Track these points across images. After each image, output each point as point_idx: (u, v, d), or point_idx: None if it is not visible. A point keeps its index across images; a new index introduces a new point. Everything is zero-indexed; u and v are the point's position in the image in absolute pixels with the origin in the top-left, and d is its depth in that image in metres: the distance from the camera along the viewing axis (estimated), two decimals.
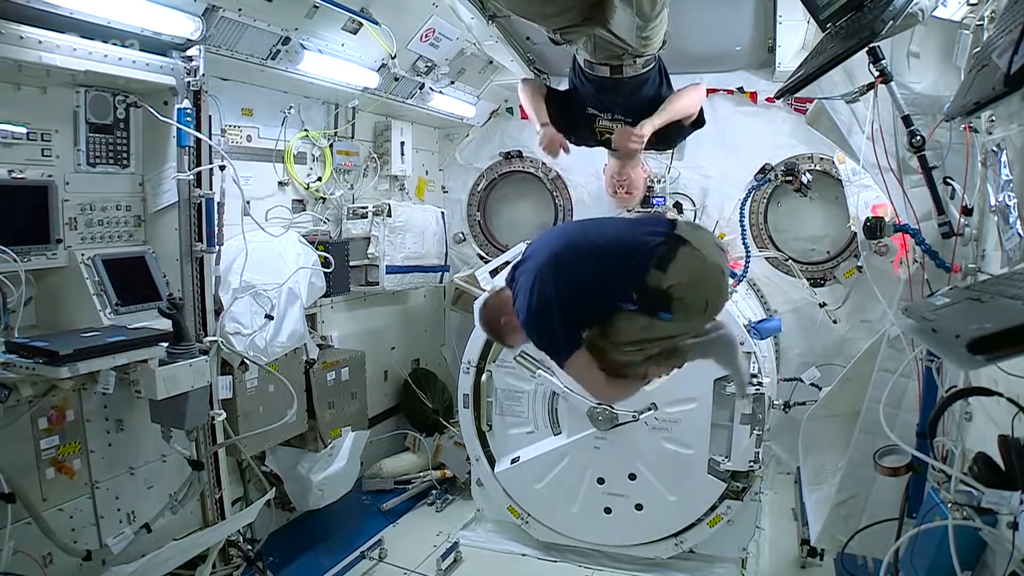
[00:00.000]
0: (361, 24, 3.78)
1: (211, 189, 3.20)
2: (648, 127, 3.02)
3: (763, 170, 4.90)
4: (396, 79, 4.34)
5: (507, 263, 4.01)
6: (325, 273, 4.01)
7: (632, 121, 3.12)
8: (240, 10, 3.15)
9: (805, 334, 4.96)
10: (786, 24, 4.17)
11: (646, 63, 2.96)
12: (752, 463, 3.59)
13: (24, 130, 2.72)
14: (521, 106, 5.45)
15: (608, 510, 3.89)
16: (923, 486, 2.52)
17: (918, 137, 2.46)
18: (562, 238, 2.48)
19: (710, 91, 5.02)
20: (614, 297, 2.26)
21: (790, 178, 4.77)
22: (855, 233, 4.21)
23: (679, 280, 2.20)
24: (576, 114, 3.19)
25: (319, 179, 4.44)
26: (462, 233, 5.75)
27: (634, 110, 3.08)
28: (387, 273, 4.63)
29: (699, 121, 3.23)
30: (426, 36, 4.25)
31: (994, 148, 2.12)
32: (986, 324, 1.07)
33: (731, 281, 2.60)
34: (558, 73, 5.27)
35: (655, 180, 5.07)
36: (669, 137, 3.30)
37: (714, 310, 2.38)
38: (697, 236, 2.34)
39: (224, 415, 3.34)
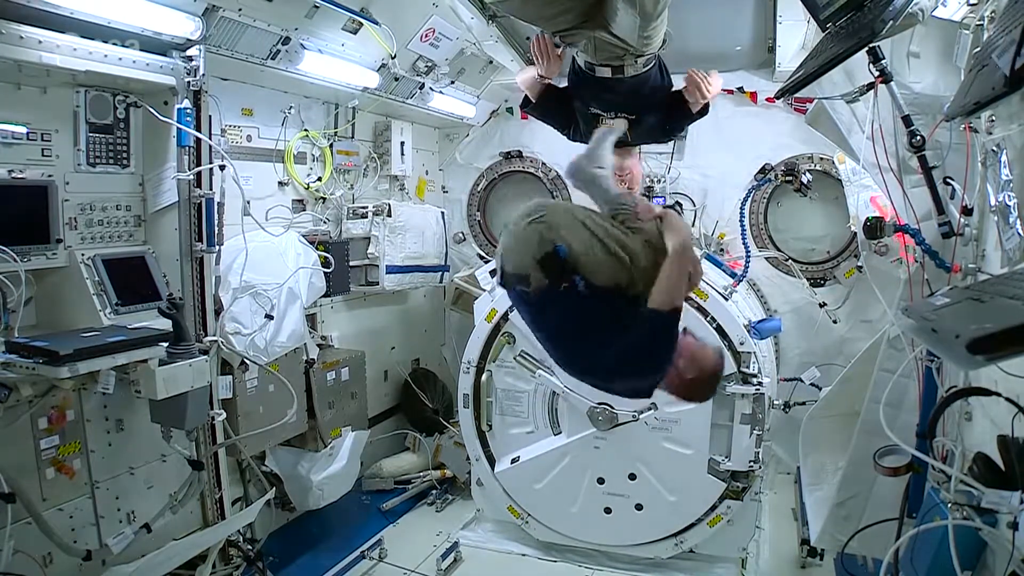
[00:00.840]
0: (361, 24, 3.78)
1: (211, 189, 3.20)
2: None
3: (763, 170, 4.90)
4: (396, 79, 4.34)
5: None
6: (325, 273, 4.02)
7: (636, 118, 3.12)
8: (240, 10, 3.15)
9: (805, 334, 4.96)
10: (786, 24, 4.18)
11: (647, 62, 2.96)
12: (752, 463, 3.59)
13: (24, 130, 2.72)
14: (520, 105, 5.51)
15: (608, 510, 3.89)
16: (923, 486, 2.52)
17: (918, 137, 2.46)
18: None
19: None
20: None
21: (790, 178, 4.78)
22: (855, 233, 4.21)
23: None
24: (580, 114, 3.19)
25: (319, 179, 4.44)
26: (462, 233, 5.75)
27: (637, 108, 3.08)
28: (387, 273, 4.64)
29: (704, 110, 3.23)
30: (426, 36, 4.25)
31: (994, 148, 2.12)
32: (986, 324, 1.07)
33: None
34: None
35: (655, 180, 5.07)
36: (672, 126, 3.29)
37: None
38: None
39: (224, 415, 3.34)
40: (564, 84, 3.24)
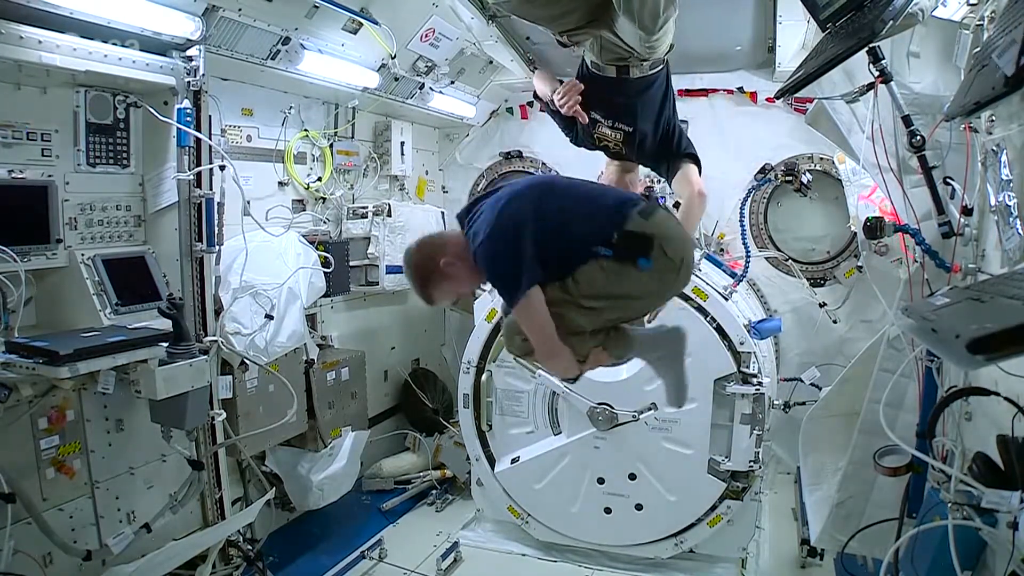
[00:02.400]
0: (361, 24, 3.78)
1: (211, 189, 3.20)
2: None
3: (763, 170, 4.90)
4: (396, 79, 4.34)
5: None
6: (325, 273, 4.01)
7: (632, 129, 3.11)
8: (240, 10, 3.15)
9: (805, 334, 4.96)
10: (786, 24, 4.18)
11: (653, 65, 2.96)
12: (752, 463, 3.59)
13: (24, 130, 2.72)
14: (524, 105, 5.52)
15: (608, 510, 3.89)
16: (923, 486, 2.52)
17: (918, 137, 2.46)
18: (542, 179, 2.47)
19: (710, 91, 5.05)
20: (594, 236, 2.17)
21: (790, 178, 4.78)
22: (855, 233, 4.21)
23: (659, 231, 2.18)
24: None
25: (319, 179, 4.44)
26: None
27: (637, 114, 3.07)
28: (387, 273, 4.63)
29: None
30: (426, 36, 4.25)
31: (994, 148, 2.12)
32: (986, 324, 1.07)
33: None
34: (559, 73, 5.26)
35: (655, 180, 5.06)
36: (669, 166, 3.28)
37: (686, 275, 2.32)
38: (668, 213, 2.39)
39: (224, 415, 3.34)
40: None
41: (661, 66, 3.02)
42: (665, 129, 3.16)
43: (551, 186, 2.38)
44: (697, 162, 3.22)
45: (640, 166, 3.52)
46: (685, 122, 4.94)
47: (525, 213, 2.17)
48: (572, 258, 2.19)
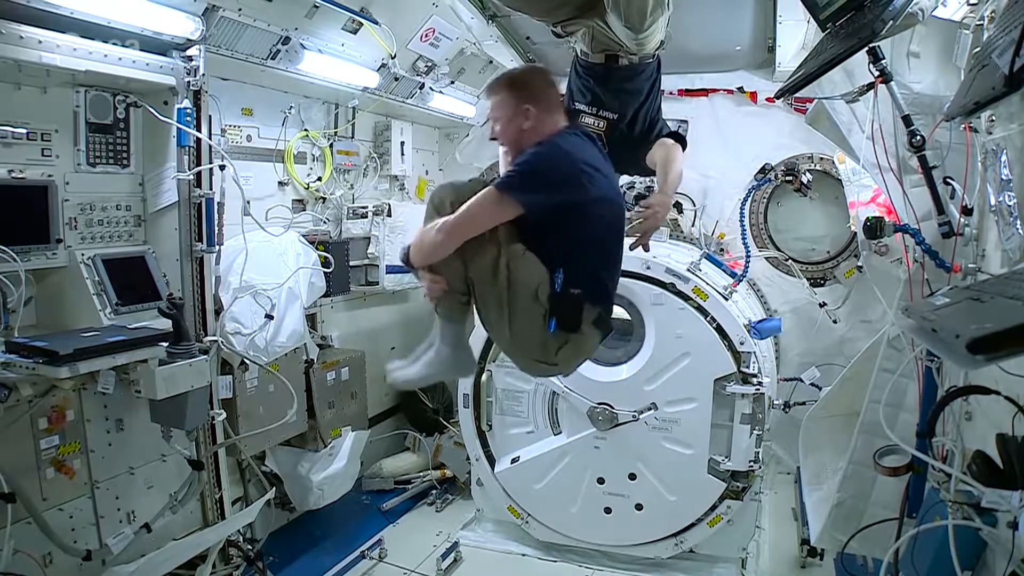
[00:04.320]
0: (361, 24, 3.78)
1: (211, 189, 3.20)
2: (666, 199, 2.96)
3: (763, 170, 4.90)
4: (396, 79, 4.34)
5: None
6: (325, 273, 4.01)
7: (615, 117, 3.09)
8: (240, 10, 3.15)
9: (805, 334, 4.96)
10: (786, 24, 4.18)
11: (642, 57, 2.96)
12: (752, 463, 3.59)
13: (24, 130, 2.72)
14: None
15: (608, 510, 3.89)
16: (923, 486, 2.52)
17: (918, 137, 2.46)
18: (619, 208, 2.45)
19: (710, 91, 5.06)
20: (576, 270, 2.18)
21: (790, 178, 4.78)
22: (855, 233, 4.21)
23: (579, 341, 2.25)
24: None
25: (319, 179, 4.44)
26: None
27: (622, 101, 3.06)
28: (387, 273, 4.63)
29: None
30: (426, 36, 4.25)
31: (994, 148, 2.12)
32: (986, 324, 1.07)
33: None
34: (558, 73, 5.25)
35: (655, 180, 5.06)
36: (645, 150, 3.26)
37: (533, 365, 2.39)
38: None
39: (224, 415, 3.33)
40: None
41: (651, 60, 3.02)
42: (646, 121, 3.14)
43: (619, 226, 2.40)
44: (681, 141, 3.16)
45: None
46: (685, 122, 4.99)
47: (597, 193, 2.19)
48: (551, 255, 2.19)
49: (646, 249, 2.90)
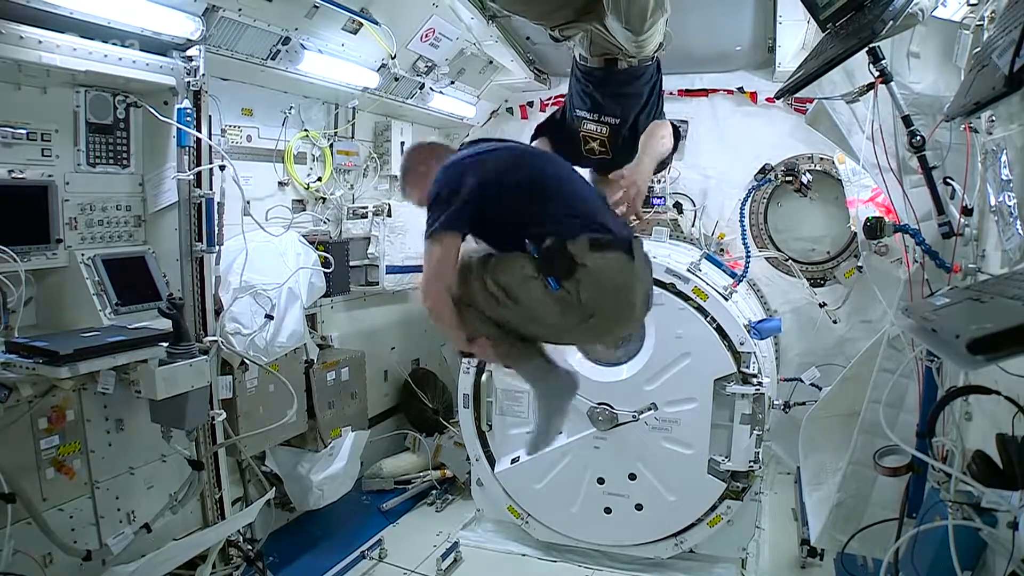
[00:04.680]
0: (361, 24, 3.78)
1: (211, 189, 3.20)
2: (638, 175, 2.78)
3: (763, 170, 4.91)
4: (396, 79, 4.34)
5: None
6: (325, 273, 4.01)
7: (618, 122, 3.08)
8: (240, 10, 3.15)
9: (805, 334, 4.97)
10: (786, 24, 4.18)
11: (641, 60, 2.96)
12: (752, 463, 3.59)
13: (24, 130, 2.72)
14: (524, 105, 5.51)
15: (608, 510, 3.89)
16: (923, 486, 2.52)
17: (918, 137, 2.46)
18: (550, 157, 2.43)
19: (710, 91, 5.06)
20: (533, 226, 2.11)
21: (790, 178, 4.79)
22: (855, 233, 4.22)
23: (594, 274, 2.04)
24: (567, 123, 3.18)
25: (319, 179, 4.44)
26: None
27: (623, 106, 3.05)
28: (387, 273, 4.63)
29: (676, 136, 3.19)
30: (426, 36, 4.25)
31: (994, 148, 2.12)
32: (986, 324, 1.07)
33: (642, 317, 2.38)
34: (558, 73, 5.29)
35: (655, 180, 5.07)
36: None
37: (595, 330, 2.19)
38: (640, 266, 2.20)
39: (224, 415, 3.34)
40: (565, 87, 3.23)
41: (650, 62, 3.01)
42: (648, 125, 3.12)
43: (549, 167, 2.32)
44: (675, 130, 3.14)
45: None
46: (685, 122, 4.98)
47: (501, 170, 2.18)
48: (508, 236, 2.16)
49: (639, 219, 2.81)
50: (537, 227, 2.12)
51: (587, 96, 3.07)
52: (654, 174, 3.25)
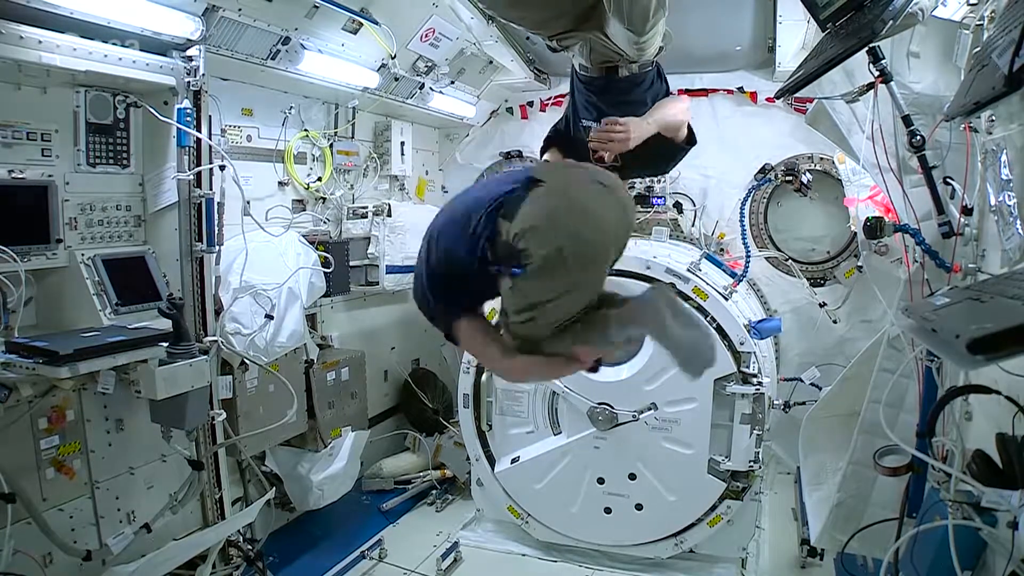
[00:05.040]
0: (361, 24, 3.79)
1: (211, 189, 3.20)
2: (633, 124, 2.67)
3: (763, 170, 4.91)
4: (396, 79, 4.34)
5: None
6: (325, 273, 4.02)
7: None
8: (240, 10, 3.16)
9: (805, 334, 4.97)
10: (786, 24, 4.19)
11: (641, 66, 2.96)
12: (752, 463, 3.59)
13: (24, 130, 2.72)
14: (524, 105, 5.51)
15: (608, 510, 3.89)
16: (923, 486, 2.52)
17: (918, 137, 2.46)
18: (441, 210, 2.30)
19: (710, 91, 5.05)
20: (469, 258, 2.00)
21: (790, 178, 4.79)
22: (855, 233, 4.21)
23: (523, 226, 1.87)
24: (574, 131, 3.18)
25: (319, 179, 4.44)
26: None
27: (626, 114, 3.04)
28: (387, 273, 4.64)
29: (691, 139, 3.15)
30: (426, 36, 4.25)
31: (994, 148, 2.12)
32: (986, 324, 1.07)
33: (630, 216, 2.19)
34: (558, 73, 5.29)
35: (655, 180, 5.07)
36: (660, 158, 3.21)
37: (581, 258, 1.94)
38: (557, 175, 2.06)
39: (224, 415, 3.34)
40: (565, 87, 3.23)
41: (650, 67, 3.01)
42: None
43: (442, 215, 2.23)
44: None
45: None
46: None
47: (420, 261, 2.23)
48: (475, 283, 2.08)
49: (603, 162, 2.67)
50: (472, 257, 2.03)
51: (591, 106, 3.06)
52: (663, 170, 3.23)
